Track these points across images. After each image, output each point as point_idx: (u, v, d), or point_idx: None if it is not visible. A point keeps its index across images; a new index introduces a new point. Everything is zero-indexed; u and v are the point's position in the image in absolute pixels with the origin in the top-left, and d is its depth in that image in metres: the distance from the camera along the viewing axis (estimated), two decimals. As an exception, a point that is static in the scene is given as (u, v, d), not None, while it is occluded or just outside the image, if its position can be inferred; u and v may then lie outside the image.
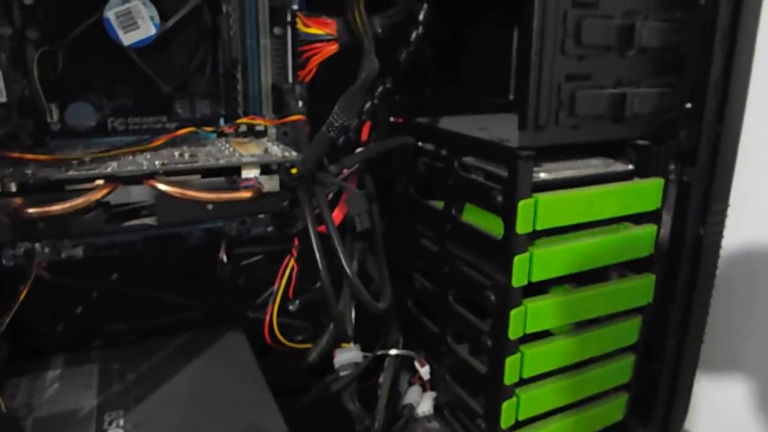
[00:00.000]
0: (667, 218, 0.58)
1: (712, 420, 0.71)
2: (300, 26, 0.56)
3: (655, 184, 0.56)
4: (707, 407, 0.70)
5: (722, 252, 0.59)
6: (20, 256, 0.54)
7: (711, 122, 0.54)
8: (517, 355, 0.53)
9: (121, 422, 0.48)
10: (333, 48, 0.57)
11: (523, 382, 0.55)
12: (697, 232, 0.58)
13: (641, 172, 0.56)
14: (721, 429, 0.71)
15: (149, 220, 0.49)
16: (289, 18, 0.56)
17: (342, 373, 0.64)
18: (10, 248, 0.53)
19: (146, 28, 0.50)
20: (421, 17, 0.57)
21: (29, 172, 0.44)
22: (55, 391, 0.52)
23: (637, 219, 0.57)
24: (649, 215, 0.57)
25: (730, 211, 0.58)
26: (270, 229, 0.60)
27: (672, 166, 0.57)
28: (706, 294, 0.60)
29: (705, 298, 0.61)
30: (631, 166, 0.57)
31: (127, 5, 0.50)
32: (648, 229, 0.57)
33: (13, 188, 0.43)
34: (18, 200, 0.44)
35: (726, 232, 0.59)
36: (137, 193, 0.49)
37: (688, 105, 0.55)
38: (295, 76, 0.58)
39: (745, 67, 0.54)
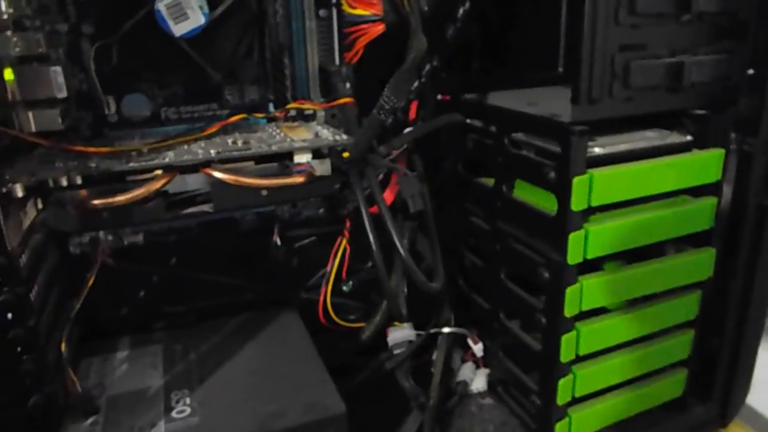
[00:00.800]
0: (727, 190, 0.56)
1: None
2: (345, 7, 0.56)
3: (715, 155, 0.54)
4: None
5: (787, 223, 0.57)
6: (86, 243, 0.56)
7: (775, 88, 0.52)
8: (573, 333, 0.53)
9: (188, 401, 0.50)
10: (379, 28, 0.56)
11: (579, 359, 0.55)
12: (761, 203, 0.56)
13: (700, 143, 0.54)
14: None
15: (206, 207, 0.50)
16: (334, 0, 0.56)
17: (396, 351, 0.65)
18: (76, 236, 0.55)
19: (196, 17, 0.51)
20: (467, -8, 0.57)
21: (92, 164, 0.45)
22: (124, 371, 0.55)
23: (697, 192, 0.55)
24: (709, 187, 0.55)
25: (795, 181, 0.56)
26: (321, 211, 0.61)
27: (733, 136, 0.55)
28: (770, 267, 0.58)
29: (768, 272, 0.59)
30: (689, 137, 0.55)
31: (176, -4, 0.50)
32: (708, 202, 0.55)
33: (79, 181, 0.45)
34: (83, 192, 0.45)
35: (791, 203, 0.57)
36: (193, 181, 0.50)
37: (750, 71, 0.53)
38: (341, 57, 0.58)
39: (811, 28, 0.51)
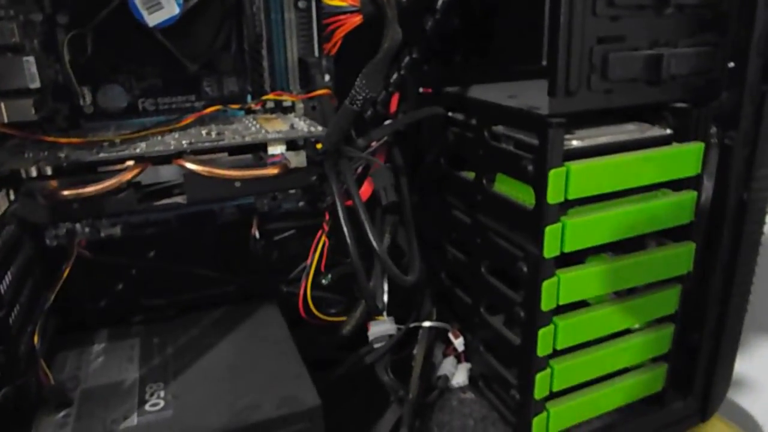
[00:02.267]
0: (708, 184, 0.56)
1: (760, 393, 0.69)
2: (323, -2, 0.56)
3: (695, 148, 0.54)
4: (752, 379, 0.68)
5: (768, 218, 0.57)
6: (62, 236, 0.56)
7: (755, 82, 0.52)
8: (550, 327, 0.53)
9: (162, 393, 0.49)
10: (357, 19, 0.56)
11: (557, 353, 0.54)
12: (740, 198, 0.56)
13: (680, 137, 0.54)
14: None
15: (179, 199, 0.50)
16: (312, -10, 0.56)
17: (376, 345, 0.65)
18: (53, 229, 0.55)
19: (170, 7, 0.50)
20: (447, -17, 0.56)
21: (63, 155, 0.45)
22: (100, 364, 0.54)
23: (676, 185, 0.55)
24: (689, 181, 0.55)
25: (775, 175, 0.55)
26: (301, 204, 0.61)
27: (713, 130, 0.55)
28: (750, 262, 0.58)
29: (748, 266, 0.58)
30: (668, 131, 0.54)
31: (149, -15, 0.50)
32: (687, 196, 0.55)
33: (48, 171, 0.44)
34: (53, 183, 0.45)
35: (772, 197, 0.56)
36: (167, 173, 0.50)
37: (731, 64, 0.53)
38: (320, 49, 0.57)
39: (791, 22, 0.51)
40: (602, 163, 0.50)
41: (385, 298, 0.63)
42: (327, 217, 0.60)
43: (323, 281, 0.64)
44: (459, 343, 0.67)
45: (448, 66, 0.69)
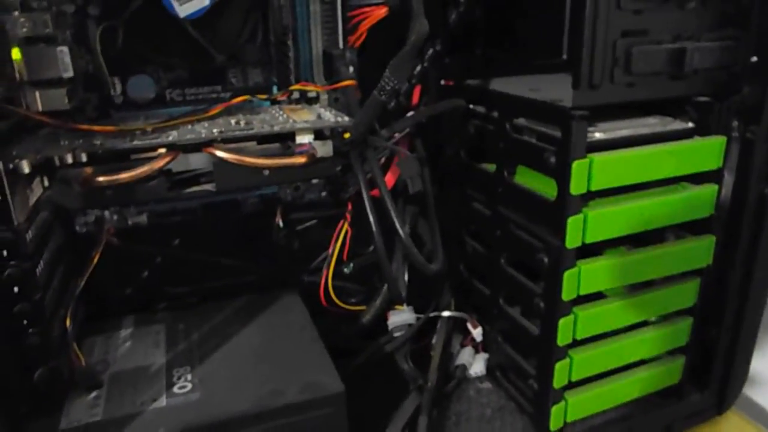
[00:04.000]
0: (729, 178, 0.56)
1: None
2: (349, -9, 0.57)
3: (717, 142, 0.54)
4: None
5: (788, 212, 0.57)
6: (91, 223, 0.57)
7: (777, 76, 0.52)
8: (571, 317, 0.53)
9: (189, 377, 0.51)
10: (382, 12, 0.57)
11: (576, 343, 0.55)
12: (761, 192, 0.56)
13: (702, 130, 0.55)
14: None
15: (208, 186, 0.51)
16: (338, -17, 0.57)
17: (396, 335, 0.66)
18: (82, 216, 0.56)
19: (200, -1, 0.51)
20: (470, -23, 0.57)
21: (97, 142, 0.46)
22: (128, 348, 0.55)
23: (697, 179, 0.55)
24: (710, 175, 0.55)
25: (797, 169, 0.56)
26: (324, 194, 0.62)
27: (735, 124, 0.55)
28: (770, 256, 0.59)
29: (768, 261, 0.59)
30: (690, 124, 0.55)
31: (181, -23, 0.51)
32: (708, 189, 0.55)
33: (84, 158, 0.45)
34: (88, 169, 0.46)
35: (793, 192, 0.57)
36: (197, 161, 0.51)
37: (754, 58, 0.53)
38: (345, 41, 0.58)
39: (815, 15, 0.51)
40: (625, 156, 0.51)
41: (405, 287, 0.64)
42: (349, 207, 0.61)
43: (345, 270, 0.65)
44: (477, 333, 0.67)
45: (469, 59, 0.69)
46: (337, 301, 0.64)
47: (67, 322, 0.51)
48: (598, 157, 0.49)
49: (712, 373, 0.63)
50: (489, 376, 0.68)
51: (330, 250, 0.63)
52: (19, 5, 0.49)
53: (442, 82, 0.65)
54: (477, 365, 0.68)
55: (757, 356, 0.65)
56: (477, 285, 0.68)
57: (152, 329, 0.59)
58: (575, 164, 0.48)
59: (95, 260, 0.55)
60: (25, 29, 0.49)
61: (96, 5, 0.53)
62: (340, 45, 0.58)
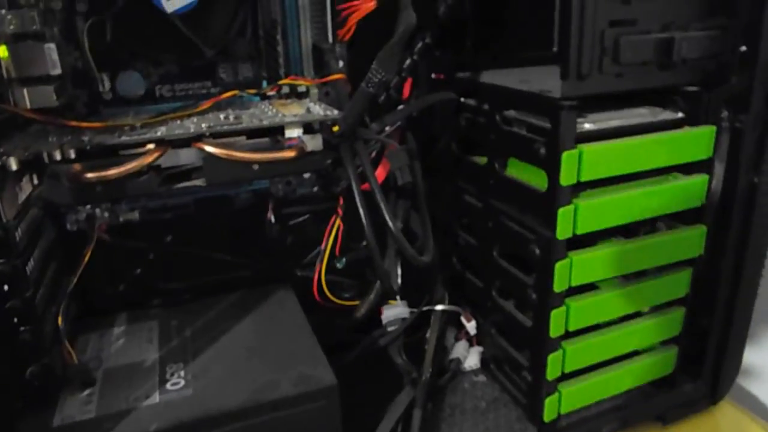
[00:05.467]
0: (719, 167, 0.57)
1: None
2: (337, -16, 0.57)
3: (706, 132, 0.54)
4: (762, 365, 0.69)
5: (778, 201, 0.57)
6: (82, 220, 0.57)
7: (765, 65, 0.52)
8: (563, 308, 0.54)
9: (182, 373, 0.51)
10: (371, 5, 0.56)
11: (569, 334, 0.55)
12: (751, 181, 0.56)
13: (691, 120, 0.55)
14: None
15: (198, 181, 0.51)
16: (326, -24, 0.56)
17: (389, 329, 0.66)
18: (73, 213, 0.56)
19: (188, -7, 0.51)
20: (459, -31, 0.56)
21: (86, 138, 0.46)
22: (121, 345, 0.56)
23: (688, 168, 0.55)
24: (700, 164, 0.55)
25: (786, 158, 0.56)
26: (315, 189, 0.62)
27: (724, 113, 0.55)
28: (761, 246, 0.59)
29: (759, 250, 0.59)
30: (680, 114, 0.55)
31: (168, -29, 0.51)
32: (699, 179, 0.55)
33: (72, 154, 0.45)
34: (77, 166, 0.46)
35: (782, 180, 0.57)
36: (186, 156, 0.51)
37: (742, 48, 0.53)
38: (334, 35, 0.58)
39: (803, 5, 0.51)
40: (614, 146, 0.51)
41: (399, 281, 0.64)
42: (341, 201, 0.61)
43: (337, 265, 0.65)
44: (471, 326, 0.68)
45: (459, 52, 0.69)
46: (330, 295, 0.64)
47: (59, 320, 0.51)
48: (587, 147, 0.49)
49: (705, 363, 0.64)
50: (483, 368, 0.68)
51: (323, 245, 0.63)
52: (6, 2, 0.49)
53: (433, 75, 0.65)
54: (471, 358, 0.68)
55: (751, 347, 0.65)
56: (470, 278, 0.68)
57: (145, 325, 0.59)
58: (565, 155, 0.48)
59: (87, 257, 0.54)
60: (12, 26, 0.48)
61: (83, 1, 0.53)
62: (330, 39, 0.58)
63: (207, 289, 0.63)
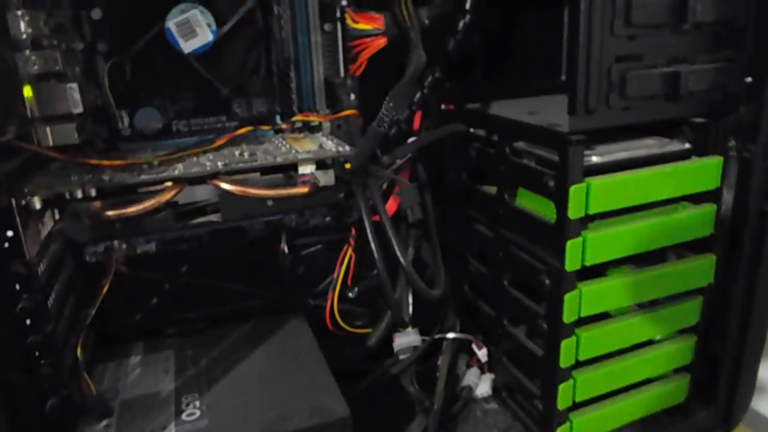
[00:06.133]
0: (728, 197, 0.57)
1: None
2: (349, 22, 0.58)
3: (714, 162, 0.55)
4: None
5: (788, 229, 0.58)
6: (100, 252, 0.58)
7: (772, 96, 0.52)
8: (573, 338, 0.54)
9: (197, 404, 0.51)
10: (381, 42, 0.58)
11: (579, 364, 0.56)
12: (761, 209, 0.56)
13: (699, 151, 0.55)
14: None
15: (214, 217, 0.52)
16: (338, 14, 0.58)
17: (401, 357, 0.66)
18: (92, 246, 0.58)
19: (204, 35, 0.53)
20: (467, 5, 0.57)
21: (106, 178, 0.47)
22: (137, 375, 0.56)
23: (696, 198, 0.56)
24: (709, 194, 0.56)
25: (795, 187, 0.56)
26: (328, 219, 0.63)
27: (732, 143, 0.55)
28: (772, 273, 0.59)
29: (770, 278, 0.59)
30: (687, 145, 0.55)
31: (185, 15, 0.52)
32: (707, 209, 0.56)
33: (93, 193, 0.47)
34: (98, 204, 0.47)
35: (792, 209, 0.57)
36: (202, 192, 0.52)
37: (749, 79, 0.54)
38: (346, 70, 0.59)
39: (807, 36, 0.52)
40: (622, 179, 0.51)
41: (410, 310, 0.64)
42: (353, 232, 0.62)
43: (349, 294, 0.66)
44: (482, 354, 0.68)
45: (469, 83, 0.71)
46: (342, 324, 0.65)
47: (78, 351, 0.52)
48: (595, 181, 0.50)
49: (719, 390, 0.63)
50: (495, 396, 0.68)
51: (335, 275, 0.63)
52: (30, 44, 0.50)
53: (443, 106, 0.66)
54: (483, 386, 0.68)
55: (763, 369, 0.64)
56: (481, 306, 0.68)
57: (161, 355, 0.60)
58: (572, 189, 0.49)
59: (105, 289, 0.56)
60: (36, 67, 0.50)
61: (104, 42, 0.55)
62: (341, 74, 0.59)
63: (222, 319, 0.64)
